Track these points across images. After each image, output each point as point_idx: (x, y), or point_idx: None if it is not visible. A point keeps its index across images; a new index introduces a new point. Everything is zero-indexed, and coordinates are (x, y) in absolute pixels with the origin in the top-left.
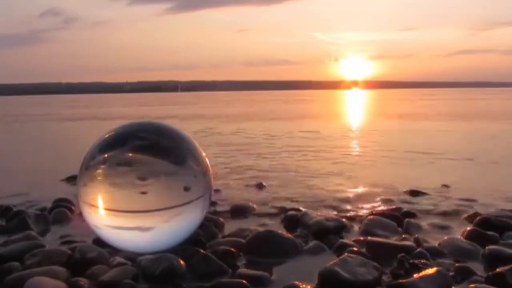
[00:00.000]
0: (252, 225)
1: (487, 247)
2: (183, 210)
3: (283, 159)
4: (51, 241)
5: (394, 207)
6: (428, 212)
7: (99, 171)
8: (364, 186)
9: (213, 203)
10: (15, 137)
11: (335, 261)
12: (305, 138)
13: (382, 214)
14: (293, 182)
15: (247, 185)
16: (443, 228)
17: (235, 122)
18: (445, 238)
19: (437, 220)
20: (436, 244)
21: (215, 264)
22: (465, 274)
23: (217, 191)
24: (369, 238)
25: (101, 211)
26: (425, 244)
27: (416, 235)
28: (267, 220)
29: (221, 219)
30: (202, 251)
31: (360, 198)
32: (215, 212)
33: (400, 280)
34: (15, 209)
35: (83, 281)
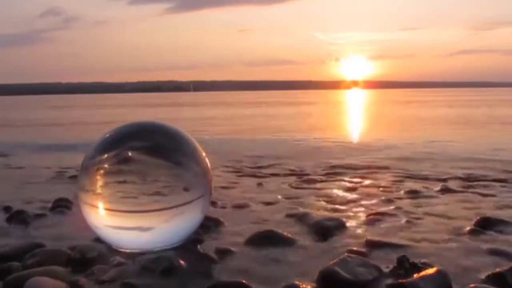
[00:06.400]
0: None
1: (487, 247)
2: (183, 210)
3: None
4: (51, 241)
5: (394, 207)
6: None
7: (99, 171)
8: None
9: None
10: (24, 136)
11: (335, 261)
12: None
13: (382, 214)
14: None
15: None
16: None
17: None
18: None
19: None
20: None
21: (215, 264)
22: (465, 274)
23: None
24: (369, 238)
25: (101, 211)
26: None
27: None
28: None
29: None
30: (202, 251)
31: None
32: None
33: (400, 280)
34: (15, 208)
35: (83, 281)
